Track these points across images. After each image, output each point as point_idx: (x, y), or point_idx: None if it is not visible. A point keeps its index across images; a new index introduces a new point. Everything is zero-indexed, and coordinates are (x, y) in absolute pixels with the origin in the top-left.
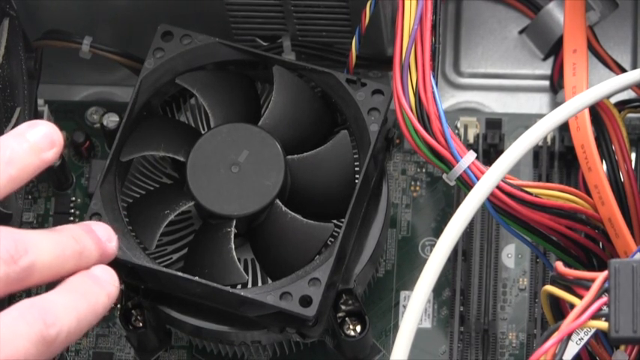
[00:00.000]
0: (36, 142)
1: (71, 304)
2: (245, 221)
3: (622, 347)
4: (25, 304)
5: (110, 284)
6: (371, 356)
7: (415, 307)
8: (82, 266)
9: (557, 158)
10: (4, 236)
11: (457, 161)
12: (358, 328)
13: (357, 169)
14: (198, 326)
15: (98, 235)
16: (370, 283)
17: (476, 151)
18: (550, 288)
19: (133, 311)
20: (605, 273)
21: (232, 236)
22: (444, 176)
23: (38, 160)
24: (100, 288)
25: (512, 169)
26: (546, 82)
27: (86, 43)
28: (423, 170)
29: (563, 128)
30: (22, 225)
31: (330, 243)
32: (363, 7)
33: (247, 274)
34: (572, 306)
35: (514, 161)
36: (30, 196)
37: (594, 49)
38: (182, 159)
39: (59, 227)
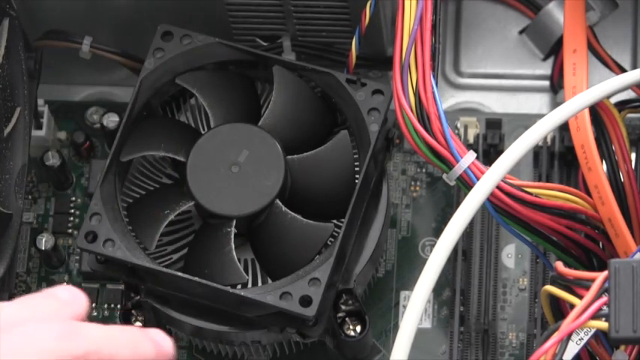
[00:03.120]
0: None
1: None
2: (245, 221)
3: (622, 347)
4: None
5: None
6: (371, 356)
7: (415, 307)
8: None
9: (557, 158)
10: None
11: (457, 161)
12: (358, 328)
13: (357, 169)
14: (198, 326)
15: (155, 338)
16: (370, 283)
17: (476, 151)
18: (550, 288)
19: (133, 311)
20: (605, 273)
21: (232, 236)
22: (444, 176)
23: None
24: None
25: (512, 169)
26: (546, 82)
27: (86, 43)
28: (423, 170)
29: (563, 128)
30: (22, 225)
31: (330, 243)
32: (363, 7)
33: (247, 274)
34: (572, 306)
35: (514, 161)
36: (30, 196)
37: (594, 49)
38: (182, 159)
39: (116, 328)
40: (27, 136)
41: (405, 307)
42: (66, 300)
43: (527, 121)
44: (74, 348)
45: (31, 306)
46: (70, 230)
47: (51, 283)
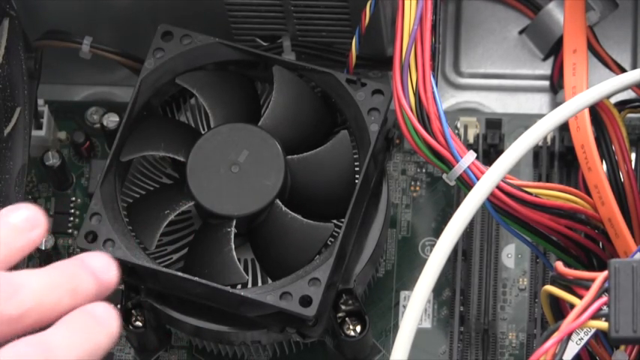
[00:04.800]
0: (17, 225)
1: (72, 344)
2: (245, 221)
3: (622, 347)
4: (28, 341)
5: (111, 324)
6: (371, 356)
7: (415, 307)
8: (78, 303)
9: (557, 158)
10: None
11: (457, 161)
12: (358, 328)
13: (357, 169)
14: (198, 326)
15: (93, 267)
16: (370, 283)
17: (476, 151)
18: (550, 288)
19: (133, 311)
20: (605, 273)
21: (232, 236)
22: (444, 176)
23: (24, 239)
24: (101, 327)
25: (512, 169)
26: (546, 82)
27: (86, 43)
28: (423, 170)
29: (563, 128)
30: None
31: (330, 243)
32: (363, 7)
33: (247, 274)
34: (572, 306)
35: (514, 161)
36: (30, 196)
37: (594, 49)
38: (182, 159)
39: (50, 265)
40: (27, 136)
41: (405, 307)
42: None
43: (527, 121)
44: (14, 308)
45: None
46: (70, 230)
47: None
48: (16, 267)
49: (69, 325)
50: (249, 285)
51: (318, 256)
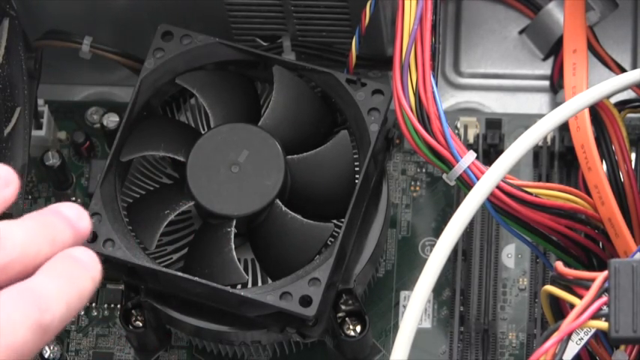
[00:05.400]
0: None
1: (60, 289)
2: (245, 221)
3: (622, 347)
4: (17, 289)
5: (93, 267)
6: (371, 356)
7: (415, 307)
8: (57, 250)
9: (557, 158)
10: None
11: (457, 161)
12: (358, 328)
13: (357, 169)
14: (198, 326)
15: (67, 216)
16: (370, 283)
17: (476, 151)
18: (550, 288)
19: (133, 311)
20: (605, 273)
21: (232, 236)
22: (444, 176)
23: None
24: (85, 271)
25: (512, 169)
26: (546, 82)
27: (86, 43)
28: (423, 170)
29: (563, 128)
30: None
31: (330, 243)
32: (363, 7)
33: (247, 274)
34: (572, 306)
35: (514, 161)
36: (30, 196)
37: (594, 49)
38: (182, 159)
39: (27, 216)
40: (27, 136)
41: (405, 307)
42: None
43: (527, 121)
44: None
45: None
46: None
47: None
48: None
49: (54, 271)
50: (249, 285)
51: (318, 256)
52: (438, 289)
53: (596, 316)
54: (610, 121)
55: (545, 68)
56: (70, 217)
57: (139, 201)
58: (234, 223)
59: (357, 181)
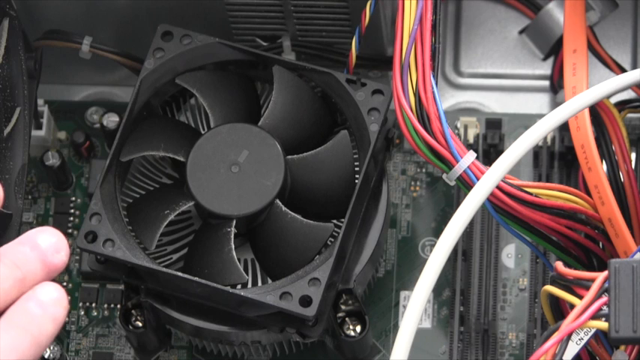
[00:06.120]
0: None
1: (12, 343)
2: (245, 221)
3: (622, 347)
4: None
5: (55, 306)
6: (371, 356)
7: (415, 307)
8: (27, 289)
9: (557, 158)
10: None
11: (457, 161)
12: (358, 328)
13: (357, 169)
14: (198, 326)
15: (43, 250)
16: (370, 283)
17: (476, 151)
18: (550, 288)
19: (133, 311)
20: (605, 273)
21: (232, 236)
22: (444, 176)
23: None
24: (44, 313)
25: (512, 169)
26: (546, 82)
27: (86, 43)
28: (423, 170)
29: (563, 128)
30: (22, 225)
31: (330, 243)
32: (363, 7)
33: (247, 274)
34: (572, 306)
35: (514, 161)
36: (30, 196)
37: (594, 49)
38: (182, 159)
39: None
40: (27, 136)
41: (405, 307)
42: None
43: (527, 121)
44: None
45: None
46: (70, 230)
47: None
48: None
49: (9, 323)
50: (249, 285)
51: (318, 256)
52: (438, 289)
53: (596, 316)
54: (610, 121)
55: (545, 68)
56: (46, 250)
57: (139, 201)
58: (234, 223)
59: (357, 181)
